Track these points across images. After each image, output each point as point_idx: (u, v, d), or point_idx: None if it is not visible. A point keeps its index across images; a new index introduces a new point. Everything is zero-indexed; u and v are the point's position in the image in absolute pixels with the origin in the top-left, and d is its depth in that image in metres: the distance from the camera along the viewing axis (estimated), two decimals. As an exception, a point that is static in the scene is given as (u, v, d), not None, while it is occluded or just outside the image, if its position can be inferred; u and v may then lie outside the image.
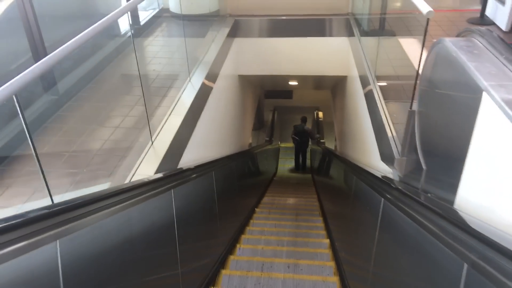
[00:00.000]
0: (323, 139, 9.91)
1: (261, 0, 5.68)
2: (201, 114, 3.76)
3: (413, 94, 2.51)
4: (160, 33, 5.21)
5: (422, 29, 5.00)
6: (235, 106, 5.93)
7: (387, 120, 3.08)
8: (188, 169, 2.86)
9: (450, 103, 1.93)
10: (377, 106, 3.31)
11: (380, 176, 2.96)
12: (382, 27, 4.91)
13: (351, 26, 5.20)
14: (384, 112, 3.19)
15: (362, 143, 4.20)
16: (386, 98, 3.39)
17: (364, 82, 4.02)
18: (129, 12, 2.63)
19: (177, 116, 3.24)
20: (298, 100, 13.76)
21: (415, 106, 2.44)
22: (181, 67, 4.03)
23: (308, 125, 9.55)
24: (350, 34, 5.32)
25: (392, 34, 4.77)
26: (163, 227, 2.19)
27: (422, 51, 2.45)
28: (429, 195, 2.05)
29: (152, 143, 2.90)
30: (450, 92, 1.94)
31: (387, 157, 2.94)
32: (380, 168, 3.28)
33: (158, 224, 2.13)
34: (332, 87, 8.70)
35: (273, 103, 13.83)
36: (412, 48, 4.45)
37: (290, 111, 13.84)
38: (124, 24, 5.07)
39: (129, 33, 4.82)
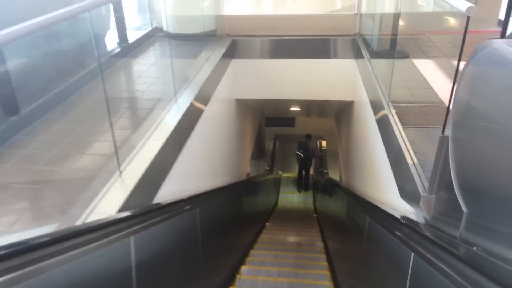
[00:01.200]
0: (326, 169, 9.35)
1: (261, 20, 5.29)
2: (188, 140, 3.25)
3: (446, 116, 1.99)
4: (150, 52, 4.79)
5: (437, 50, 4.54)
6: (230, 133, 5.42)
7: (407, 149, 2.54)
8: (161, 207, 2.32)
9: (507, 124, 1.40)
10: (394, 133, 2.79)
11: (399, 217, 2.41)
12: (393, 48, 4.46)
13: (359, 47, 4.76)
14: (403, 139, 2.66)
15: (373, 175, 3.65)
16: (404, 124, 2.88)
17: (376, 107, 3.52)
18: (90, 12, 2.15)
19: (156, 140, 2.73)
20: (301, 128, 13.29)
21: (448, 131, 1.92)
22: (167, 87, 3.57)
23: (313, 143, 9.40)
24: (358, 56, 4.88)
25: (405, 55, 4.31)
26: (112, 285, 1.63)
27: (459, 60, 1.94)
28: (475, 248, 1.49)
29: (120, 173, 2.37)
30: (508, 110, 1.42)
31: (408, 194, 2.39)
32: (398, 206, 2.72)
33: (105, 283, 1.56)
34: (336, 114, 8.23)
35: (274, 131, 13.37)
36: (428, 69, 3.99)
37: (292, 140, 13.33)
38: (111, 42, 4.67)
39: (116, 51, 4.41)
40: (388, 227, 2.24)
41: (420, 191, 2.16)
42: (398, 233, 2.10)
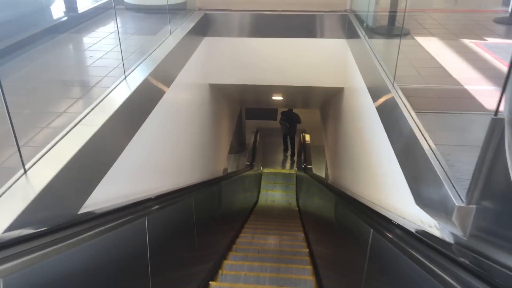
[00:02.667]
0: (310, 165, 8.74)
1: (238, -9, 4.58)
2: (141, 128, 2.54)
3: (503, 91, 1.34)
4: (107, 24, 4.02)
5: (441, 27, 3.90)
6: (203, 123, 4.71)
7: (425, 140, 1.90)
8: (82, 221, 1.61)
9: None
10: (404, 119, 2.15)
11: (414, 232, 1.79)
12: (392, 24, 3.84)
13: (352, 25, 4.10)
14: (419, 127, 2.01)
15: (371, 174, 3.01)
16: (415, 109, 2.24)
17: (377, 91, 2.88)
18: None
19: (87, 126, 2.01)
20: (283, 121, 12.66)
21: (505, 113, 1.28)
22: (116, 61, 2.85)
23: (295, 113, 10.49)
24: (351, 35, 4.23)
25: (406, 32, 3.68)
26: None
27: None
28: None
29: (26, 172, 1.65)
30: None
31: (431, 202, 1.75)
32: (408, 214, 2.08)
33: None
34: (322, 105, 7.59)
35: (255, 124, 12.70)
36: (435, 47, 3.38)
37: (274, 134, 12.71)
38: (56, 12, 3.90)
39: (60, 21, 3.64)
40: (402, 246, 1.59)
41: (453, 198, 1.51)
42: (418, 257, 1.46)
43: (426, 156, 1.78)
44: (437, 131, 2.01)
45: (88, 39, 3.50)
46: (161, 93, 2.94)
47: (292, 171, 11.01)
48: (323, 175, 7.86)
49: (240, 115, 10.93)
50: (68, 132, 1.94)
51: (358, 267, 2.30)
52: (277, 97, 6.66)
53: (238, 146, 11.64)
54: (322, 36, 4.49)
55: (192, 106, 4.17)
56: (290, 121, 10.21)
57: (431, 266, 1.52)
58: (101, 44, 3.37)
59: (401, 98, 2.34)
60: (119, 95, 2.36)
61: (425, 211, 1.83)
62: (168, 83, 3.13)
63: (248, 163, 9.43)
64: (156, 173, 2.93)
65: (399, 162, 2.19)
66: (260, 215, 8.07)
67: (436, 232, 1.76)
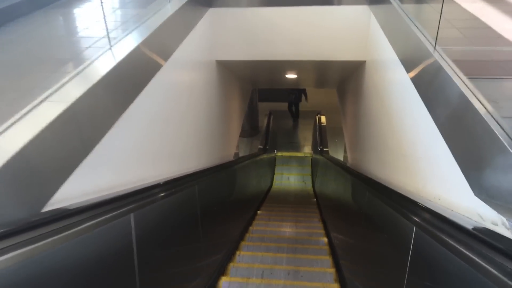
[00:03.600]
0: (327, 147, 8.28)
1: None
2: (130, 107, 2.13)
3: None
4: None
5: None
6: (209, 103, 4.28)
7: (489, 113, 1.44)
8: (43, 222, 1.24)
9: None
10: (453, 85, 1.69)
11: (476, 231, 1.36)
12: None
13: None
14: (477, 97, 1.56)
15: (402, 157, 2.56)
16: (468, 74, 1.77)
17: (413, 59, 2.41)
18: None
19: (56, 103, 1.61)
20: (297, 103, 12.19)
21: None
22: (104, 32, 2.45)
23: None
24: (374, 0, 3.72)
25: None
26: None
27: None
28: None
29: (-36, 160, 1.26)
30: None
31: (500, 193, 1.31)
32: (461, 207, 1.64)
33: None
34: (339, 84, 7.08)
35: (268, 106, 12.25)
36: (477, 8, 2.88)
37: (288, 116, 12.24)
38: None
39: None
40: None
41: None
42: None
43: (493, 133, 1.34)
44: (500, 100, 1.55)
45: (76, 10, 3.10)
46: (155, 67, 2.53)
47: (308, 154, 10.58)
48: (340, 158, 7.41)
49: (253, 97, 10.48)
50: (29, 110, 1.55)
51: (392, 263, 1.89)
52: (291, 75, 6.17)
53: (250, 129, 11.23)
54: (340, 3, 3.99)
55: (196, 84, 3.75)
56: (298, 90, 11.46)
57: (505, 279, 1.10)
58: (90, 15, 2.97)
59: (447, 62, 1.88)
60: (100, 67, 1.96)
61: (489, 205, 1.39)
62: (165, 56, 2.71)
63: (261, 146, 9.03)
64: (151, 159, 2.54)
65: (446, 142, 1.74)
66: (274, 201, 7.70)
67: (506, 232, 1.33)
